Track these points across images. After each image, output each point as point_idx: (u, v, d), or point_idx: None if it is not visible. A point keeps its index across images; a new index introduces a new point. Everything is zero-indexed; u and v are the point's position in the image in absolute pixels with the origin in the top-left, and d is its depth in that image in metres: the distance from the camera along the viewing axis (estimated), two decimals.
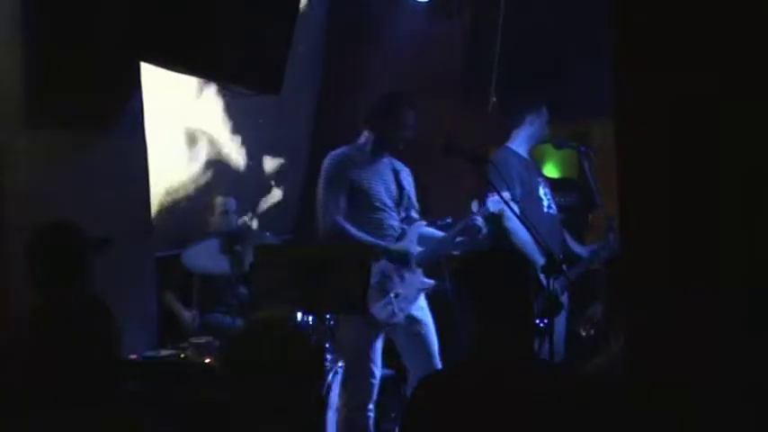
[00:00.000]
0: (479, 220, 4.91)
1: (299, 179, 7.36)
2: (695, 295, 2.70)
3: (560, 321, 5.23)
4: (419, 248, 4.97)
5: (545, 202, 5.44)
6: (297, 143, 7.31)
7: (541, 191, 5.45)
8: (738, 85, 2.64)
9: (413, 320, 4.95)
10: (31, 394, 3.02)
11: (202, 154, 6.60)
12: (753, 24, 2.62)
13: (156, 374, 4.45)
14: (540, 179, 5.51)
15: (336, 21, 7.17)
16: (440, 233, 5.05)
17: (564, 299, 5.21)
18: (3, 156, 4.18)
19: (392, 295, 4.85)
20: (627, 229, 2.91)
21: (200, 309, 5.79)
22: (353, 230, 4.82)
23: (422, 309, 5.01)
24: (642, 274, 2.83)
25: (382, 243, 4.87)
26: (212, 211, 6.10)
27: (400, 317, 4.89)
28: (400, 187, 5.06)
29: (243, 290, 5.76)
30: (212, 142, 6.68)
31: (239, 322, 5.45)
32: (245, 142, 6.96)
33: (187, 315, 5.77)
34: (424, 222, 5.08)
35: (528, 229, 4.78)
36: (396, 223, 4.98)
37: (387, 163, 5.05)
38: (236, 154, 6.91)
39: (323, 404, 2.22)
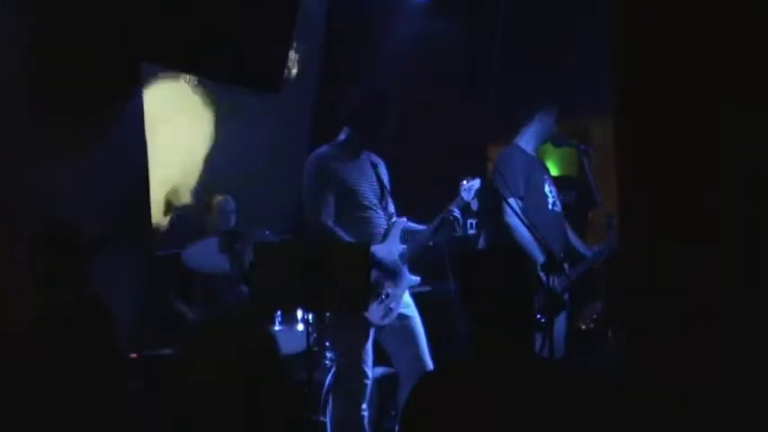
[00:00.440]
0: (457, 212, 4.90)
1: (298, 178, 7.34)
2: (695, 294, 2.70)
3: (561, 319, 5.23)
4: (402, 246, 4.97)
5: (550, 200, 5.44)
6: (296, 142, 7.31)
7: (547, 188, 5.45)
8: (738, 84, 2.64)
9: (400, 317, 4.95)
10: (32, 394, 3.02)
11: (201, 153, 6.60)
12: (752, 23, 2.62)
13: (157, 373, 4.46)
14: (546, 177, 5.51)
15: (336, 21, 7.16)
16: (420, 227, 5.04)
17: (565, 297, 5.21)
18: (2, 155, 4.18)
19: (383, 296, 4.85)
20: (626, 227, 2.92)
21: (201, 307, 5.79)
22: (341, 232, 4.79)
23: (408, 305, 5.01)
24: (642, 273, 2.84)
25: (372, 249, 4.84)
26: (211, 210, 6.10)
27: (392, 316, 4.89)
28: (381, 183, 5.05)
29: (243, 288, 5.76)
30: (211, 141, 6.68)
31: None
32: (244, 141, 6.95)
33: (189, 313, 5.77)
34: (405, 219, 5.07)
35: (526, 226, 4.78)
36: (382, 221, 4.98)
37: (366, 158, 5.03)
38: (235, 153, 6.90)
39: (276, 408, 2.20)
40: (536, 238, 4.86)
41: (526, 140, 5.47)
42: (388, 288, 4.87)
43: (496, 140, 5.87)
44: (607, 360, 3.39)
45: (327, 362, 5.39)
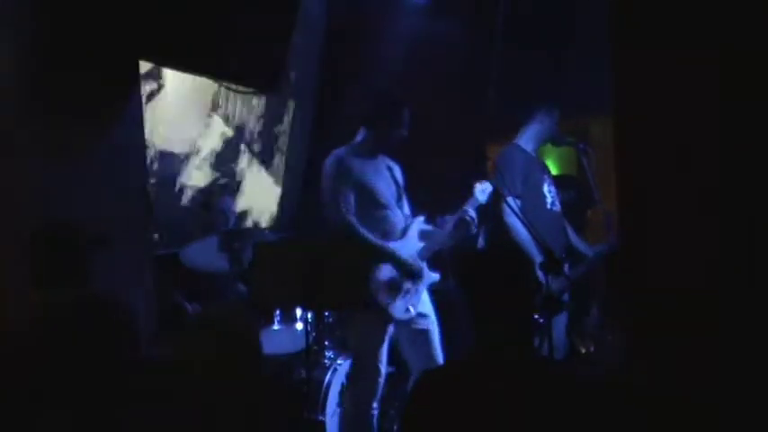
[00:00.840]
0: (472, 212, 4.94)
1: (297, 177, 7.36)
2: (695, 294, 2.70)
3: (561, 319, 5.24)
4: (420, 244, 5.00)
5: (548, 200, 5.45)
6: (296, 141, 7.31)
7: (546, 188, 5.46)
8: (738, 83, 2.64)
9: (418, 315, 4.99)
10: (32, 394, 3.02)
11: (200, 152, 6.60)
12: (753, 23, 2.63)
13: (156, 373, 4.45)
14: (545, 176, 5.52)
15: (335, 21, 7.16)
16: (435, 229, 5.07)
17: (565, 297, 5.21)
18: (1, 155, 4.18)
19: (404, 291, 4.89)
20: (626, 225, 2.92)
21: (201, 306, 5.79)
22: (361, 229, 4.85)
23: (425, 303, 5.04)
24: (641, 272, 2.84)
25: (390, 248, 4.88)
26: (210, 209, 6.10)
27: (413, 312, 4.93)
28: (397, 184, 5.11)
29: (242, 288, 5.76)
30: (210, 141, 6.68)
31: None
32: (243, 141, 6.95)
33: (196, 310, 5.76)
34: (422, 218, 5.11)
35: (525, 225, 4.79)
36: (399, 220, 5.02)
37: (382, 161, 5.09)
38: (234, 152, 6.90)
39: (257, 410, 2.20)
40: (534, 238, 4.86)
41: (526, 140, 5.48)
42: (408, 284, 4.91)
43: (496, 140, 5.87)
44: (607, 360, 3.40)
45: (326, 361, 5.40)
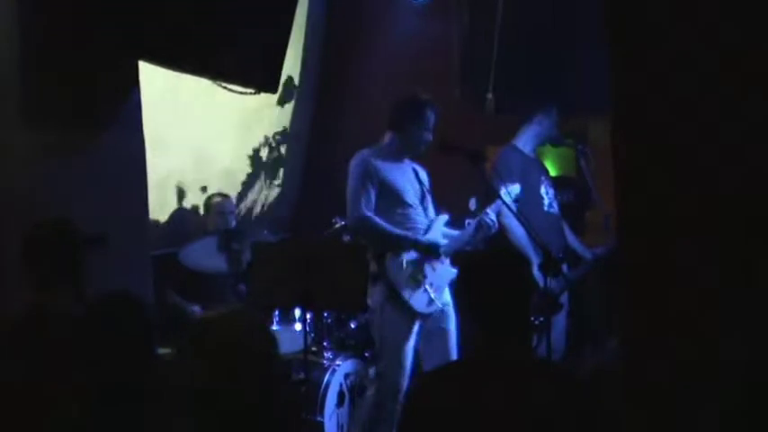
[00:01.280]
0: (493, 215, 4.97)
1: (296, 178, 7.36)
2: (695, 294, 2.70)
3: (560, 320, 5.24)
4: (444, 241, 5.02)
5: (546, 201, 5.45)
6: (295, 142, 7.31)
7: (543, 189, 5.46)
8: (737, 82, 2.64)
9: (440, 313, 5.00)
10: (30, 394, 3.02)
11: (200, 152, 6.60)
12: (751, 22, 2.62)
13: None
14: (542, 178, 5.53)
15: (334, 21, 7.16)
16: (455, 232, 5.10)
17: (564, 299, 5.22)
18: (0, 155, 4.17)
19: (427, 284, 4.90)
20: (624, 227, 2.92)
21: (201, 307, 5.79)
22: (379, 221, 4.89)
23: (448, 303, 5.05)
24: (639, 273, 2.83)
25: (410, 234, 4.92)
26: (209, 210, 6.11)
27: (437, 305, 4.94)
28: (422, 185, 5.16)
29: (241, 287, 5.77)
30: (210, 141, 6.68)
31: None
32: (242, 141, 6.96)
33: (197, 311, 5.76)
34: (446, 216, 5.14)
35: (523, 226, 4.79)
36: (422, 219, 5.06)
37: (408, 164, 5.16)
38: (233, 153, 6.91)
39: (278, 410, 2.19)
40: (532, 239, 4.87)
41: (524, 141, 5.48)
42: (430, 277, 4.92)
43: (495, 141, 5.87)
44: (605, 360, 3.40)
45: (325, 362, 5.40)
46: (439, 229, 5.07)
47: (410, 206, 5.03)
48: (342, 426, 5.29)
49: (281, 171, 7.27)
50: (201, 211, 6.27)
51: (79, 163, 4.37)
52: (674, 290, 2.74)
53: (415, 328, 4.92)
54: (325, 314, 5.60)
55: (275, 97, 6.43)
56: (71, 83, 4.30)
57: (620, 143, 2.87)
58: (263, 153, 7.09)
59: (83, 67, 4.32)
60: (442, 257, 5.01)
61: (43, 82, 4.23)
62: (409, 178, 5.10)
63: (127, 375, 2.65)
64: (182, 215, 6.43)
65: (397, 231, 4.92)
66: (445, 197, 5.29)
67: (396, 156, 5.08)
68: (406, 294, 4.85)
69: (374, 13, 6.80)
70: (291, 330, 5.50)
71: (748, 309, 2.61)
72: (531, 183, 5.38)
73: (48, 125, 4.25)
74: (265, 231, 6.71)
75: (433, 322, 5.00)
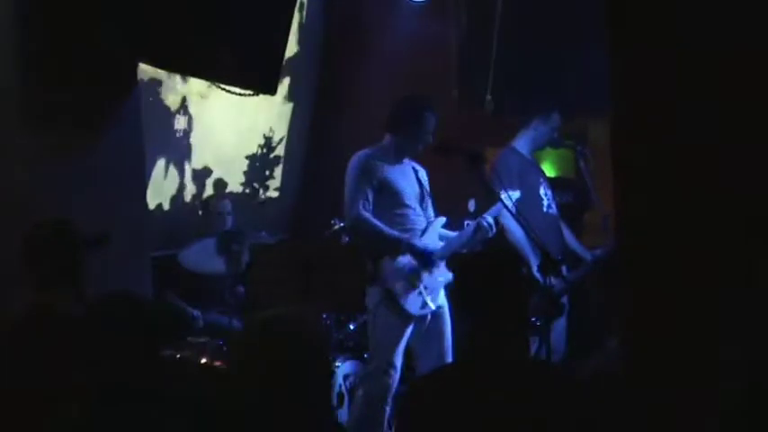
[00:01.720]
0: (490, 218, 4.96)
1: (295, 179, 7.36)
2: (693, 294, 2.70)
3: (560, 321, 5.24)
4: (440, 243, 5.01)
5: (545, 202, 5.46)
6: (293, 143, 7.31)
7: (542, 191, 5.47)
8: (736, 82, 2.64)
9: (435, 315, 4.99)
10: (28, 394, 3.02)
11: (200, 153, 6.60)
12: (751, 22, 2.63)
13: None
14: (541, 179, 5.53)
15: (333, 21, 7.16)
16: (452, 233, 5.10)
17: (563, 300, 5.21)
18: (0, 155, 4.18)
19: (422, 287, 4.89)
20: (623, 228, 2.92)
21: (199, 308, 5.79)
22: (376, 222, 4.86)
23: (442, 302, 5.05)
24: (638, 273, 2.84)
25: (406, 237, 4.90)
26: (208, 211, 6.11)
27: (431, 308, 4.93)
28: (421, 186, 5.13)
29: (240, 289, 5.76)
30: (210, 142, 6.68)
31: (236, 322, 5.45)
32: (241, 142, 6.96)
33: (195, 314, 5.76)
34: (444, 219, 5.13)
35: (523, 227, 4.79)
36: (420, 220, 5.04)
37: (408, 164, 5.14)
38: (232, 154, 6.90)
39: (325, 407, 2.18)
40: (531, 240, 4.87)
41: (522, 143, 5.49)
42: (426, 280, 4.91)
43: (494, 142, 5.87)
44: (605, 361, 3.39)
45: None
46: (436, 232, 5.05)
47: (409, 207, 5.01)
48: None
49: (280, 172, 7.27)
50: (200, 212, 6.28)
51: (79, 163, 4.38)
52: (673, 290, 2.75)
53: (408, 330, 4.91)
54: (324, 315, 5.59)
55: (275, 98, 6.41)
56: (71, 83, 4.31)
57: (619, 143, 2.88)
58: (262, 154, 7.09)
59: (83, 68, 4.32)
60: (438, 260, 5.00)
61: (43, 82, 4.23)
62: (409, 179, 5.08)
63: (127, 375, 2.64)
64: (180, 216, 6.43)
65: (394, 233, 4.90)
66: (444, 198, 5.29)
67: (395, 156, 5.06)
68: (400, 297, 4.84)
69: (373, 14, 6.79)
70: None
71: (748, 309, 2.61)
72: (530, 184, 5.38)
73: (48, 125, 4.25)
74: (264, 233, 6.71)
75: (427, 324, 4.99)
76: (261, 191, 7.12)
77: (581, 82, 5.23)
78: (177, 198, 6.50)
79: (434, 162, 5.03)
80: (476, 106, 5.60)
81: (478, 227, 4.97)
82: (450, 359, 4.99)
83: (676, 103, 2.74)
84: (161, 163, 6.29)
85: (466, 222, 5.10)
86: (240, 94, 4.92)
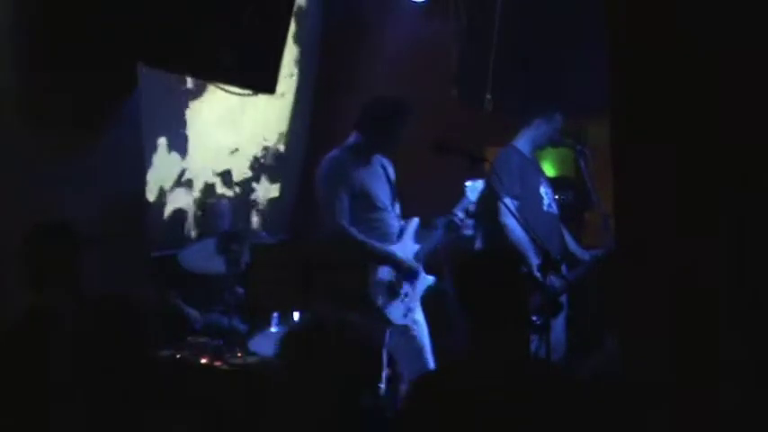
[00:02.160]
0: (461, 214, 4.93)
1: (294, 179, 7.35)
2: (693, 294, 2.70)
3: (560, 320, 5.24)
4: (417, 246, 4.99)
5: (545, 201, 5.45)
6: (293, 143, 7.31)
7: (542, 190, 5.46)
8: (736, 83, 2.64)
9: (413, 321, 4.98)
10: (26, 394, 3.02)
11: (198, 154, 6.59)
12: (752, 23, 2.63)
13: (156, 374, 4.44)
14: (541, 178, 5.53)
15: (332, 21, 7.16)
16: (429, 232, 5.07)
17: (563, 299, 5.21)
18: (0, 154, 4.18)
19: (403, 295, 4.88)
20: (623, 227, 2.92)
21: (199, 308, 5.80)
22: (357, 234, 4.80)
23: (418, 308, 5.03)
24: (638, 273, 2.84)
25: (389, 250, 4.86)
26: (207, 212, 6.10)
27: (411, 316, 4.91)
28: (391, 184, 5.08)
29: (240, 289, 5.76)
30: (209, 142, 6.68)
31: (236, 322, 5.46)
32: (241, 142, 6.95)
33: (194, 314, 5.77)
34: (417, 220, 5.10)
35: (523, 226, 4.79)
36: (395, 222, 5.00)
37: (377, 161, 5.04)
38: (232, 153, 6.90)
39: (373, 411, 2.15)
40: (532, 239, 4.87)
41: (523, 142, 5.48)
42: (407, 287, 4.90)
43: (493, 141, 5.87)
44: (605, 360, 3.40)
45: None
46: (411, 235, 5.01)
47: (382, 210, 4.94)
48: None
49: (280, 172, 7.27)
50: (198, 213, 6.28)
51: (79, 163, 4.38)
52: (674, 290, 2.75)
53: (386, 338, 4.87)
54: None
55: (274, 97, 6.41)
56: (71, 83, 4.31)
57: (619, 143, 2.88)
58: (262, 154, 7.08)
59: (83, 68, 4.33)
60: (418, 264, 4.98)
61: (43, 82, 4.23)
62: (381, 179, 5.00)
63: (125, 376, 2.64)
64: (179, 216, 6.42)
65: (376, 246, 4.84)
66: (437, 198, 5.26)
67: (364, 155, 4.95)
68: (382, 304, 4.82)
69: (372, 14, 6.79)
70: None
71: (748, 309, 2.61)
72: (531, 183, 5.38)
73: (48, 125, 4.25)
74: (264, 233, 6.71)
75: (407, 331, 4.97)
76: (261, 191, 7.13)
77: (581, 82, 5.23)
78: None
79: (433, 162, 5.00)
80: (475, 106, 5.60)
81: (450, 224, 4.95)
82: (431, 364, 4.98)
83: (676, 103, 2.74)
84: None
85: (437, 220, 5.07)
86: (240, 94, 4.92)
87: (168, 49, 4.33)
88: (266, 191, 7.19)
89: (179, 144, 6.41)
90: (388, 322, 4.84)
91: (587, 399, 2.69)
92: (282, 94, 6.99)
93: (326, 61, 7.26)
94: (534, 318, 4.33)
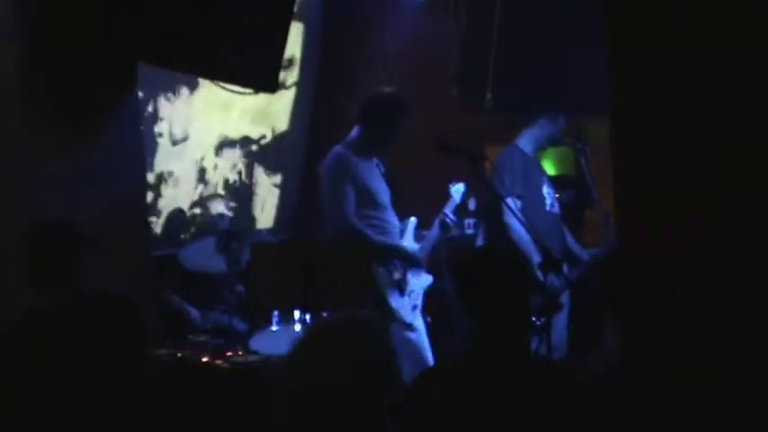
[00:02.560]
0: (451, 215, 4.95)
1: (295, 178, 7.35)
2: (694, 294, 2.70)
3: (561, 320, 5.24)
4: (417, 245, 5.01)
5: (547, 201, 5.46)
6: (293, 142, 7.31)
7: (544, 189, 5.46)
8: (736, 83, 2.64)
9: (414, 327, 5.00)
10: (25, 394, 3.02)
11: (198, 154, 6.60)
12: (753, 21, 2.62)
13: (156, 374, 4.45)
14: (543, 178, 5.53)
15: (332, 19, 7.16)
16: (426, 232, 5.10)
17: (564, 298, 5.21)
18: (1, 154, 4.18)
19: (409, 292, 4.89)
20: (623, 226, 2.91)
21: (199, 307, 5.80)
22: (369, 232, 4.82)
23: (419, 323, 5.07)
24: (639, 272, 2.83)
25: (394, 243, 4.88)
26: (207, 210, 6.10)
27: (416, 313, 4.93)
28: (388, 184, 5.09)
29: (240, 288, 5.76)
30: (209, 142, 6.68)
31: (237, 321, 5.46)
32: (241, 141, 6.95)
33: (195, 313, 5.77)
34: (415, 219, 5.11)
35: (524, 225, 4.79)
36: (395, 220, 5.02)
37: (374, 159, 5.08)
38: (232, 153, 6.90)
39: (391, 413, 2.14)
40: (533, 238, 4.87)
41: (525, 142, 5.48)
42: (413, 284, 4.91)
43: (494, 141, 5.87)
44: (605, 360, 3.39)
45: None
46: (411, 234, 5.05)
47: (383, 207, 4.98)
48: None
49: (281, 171, 7.27)
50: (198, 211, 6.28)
51: (79, 163, 4.38)
52: (673, 289, 2.74)
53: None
54: (325, 315, 5.58)
55: (274, 95, 6.42)
56: (71, 83, 4.31)
57: (619, 143, 2.87)
58: (262, 153, 7.08)
59: (83, 67, 4.32)
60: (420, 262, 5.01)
61: (43, 82, 4.23)
62: (378, 176, 5.04)
63: (124, 376, 2.64)
64: (178, 215, 6.43)
65: (388, 242, 4.88)
66: (442, 199, 5.27)
67: (365, 152, 4.99)
68: (392, 300, 4.83)
69: (373, 13, 6.79)
70: (291, 331, 5.48)
71: (748, 309, 2.61)
72: (533, 182, 5.38)
73: (48, 125, 4.25)
74: (265, 232, 6.71)
75: (406, 329, 4.98)
76: (262, 189, 7.13)
77: (581, 81, 5.23)
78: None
79: (433, 162, 5.00)
80: (476, 105, 5.60)
81: (441, 224, 4.96)
82: (430, 362, 4.98)
83: (676, 102, 2.74)
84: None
85: (436, 220, 5.09)
86: (240, 93, 4.93)
87: (169, 49, 4.33)
88: (267, 189, 7.19)
89: (178, 141, 6.41)
90: (399, 320, 4.85)
91: (587, 399, 2.69)
92: (284, 93, 7.00)
93: (327, 60, 7.26)
94: (534, 318, 4.33)
